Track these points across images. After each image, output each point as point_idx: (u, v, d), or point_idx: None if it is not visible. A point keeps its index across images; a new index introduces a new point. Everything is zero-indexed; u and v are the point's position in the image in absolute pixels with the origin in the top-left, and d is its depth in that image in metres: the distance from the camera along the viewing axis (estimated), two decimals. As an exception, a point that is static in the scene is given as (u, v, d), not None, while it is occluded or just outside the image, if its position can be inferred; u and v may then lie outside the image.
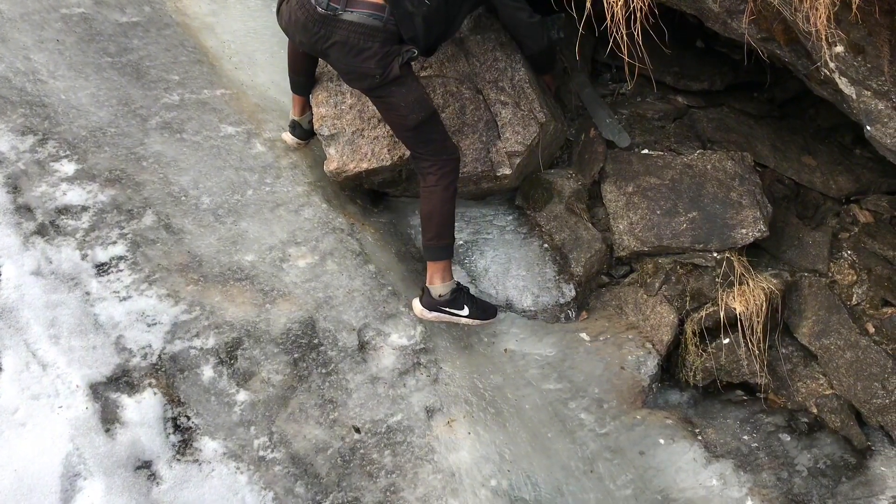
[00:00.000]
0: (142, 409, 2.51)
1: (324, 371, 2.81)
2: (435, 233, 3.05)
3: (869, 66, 2.35)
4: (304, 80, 3.40)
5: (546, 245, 3.56)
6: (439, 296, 3.04)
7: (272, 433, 2.61)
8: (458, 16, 3.06)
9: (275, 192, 3.29)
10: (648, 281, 3.42)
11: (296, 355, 2.81)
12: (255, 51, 3.98)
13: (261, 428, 2.61)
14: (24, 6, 3.59)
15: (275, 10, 3.04)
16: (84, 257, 2.82)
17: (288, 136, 3.53)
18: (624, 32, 2.77)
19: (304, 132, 3.53)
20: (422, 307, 3.06)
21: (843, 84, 2.50)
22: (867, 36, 2.27)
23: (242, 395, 2.66)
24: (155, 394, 2.56)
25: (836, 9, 2.21)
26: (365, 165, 3.33)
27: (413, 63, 3.02)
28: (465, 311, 3.11)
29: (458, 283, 3.12)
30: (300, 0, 2.81)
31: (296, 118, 3.51)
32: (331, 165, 3.35)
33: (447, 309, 3.07)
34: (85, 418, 2.43)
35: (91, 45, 3.58)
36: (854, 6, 2.14)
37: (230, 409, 2.62)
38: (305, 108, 3.48)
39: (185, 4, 4.11)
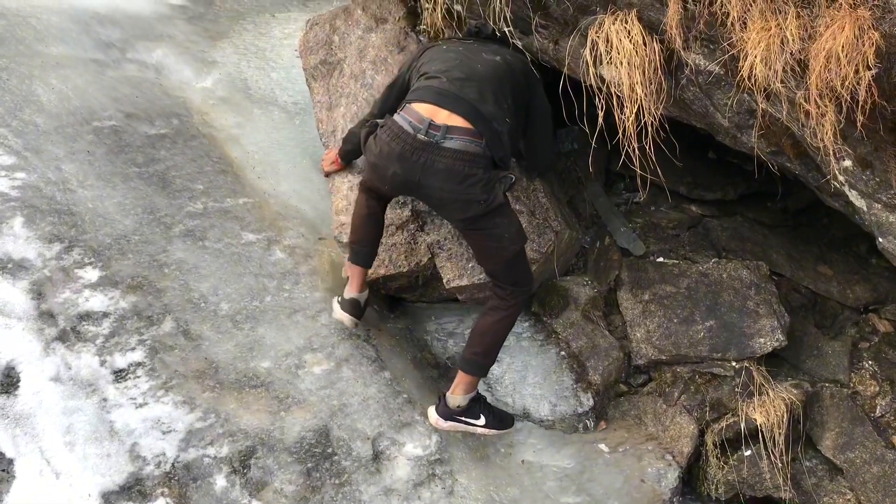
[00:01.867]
0: (153, 521, 2.47)
1: (337, 482, 2.77)
2: (483, 350, 3.03)
3: (877, 179, 2.39)
4: (369, 250, 3.21)
5: (563, 353, 3.55)
6: (457, 406, 3.01)
7: (283, 546, 2.55)
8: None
9: (293, 299, 3.33)
10: (667, 390, 3.38)
11: (309, 465, 2.77)
12: (278, 161, 4.11)
13: (272, 541, 2.55)
14: (59, 120, 3.74)
15: (341, 138, 3.24)
16: (103, 363, 2.84)
17: (344, 316, 3.24)
18: (635, 145, 2.84)
19: (362, 310, 3.29)
20: (437, 416, 3.03)
21: (854, 197, 2.54)
22: (874, 151, 2.33)
23: (254, 506, 2.62)
24: (167, 503, 2.52)
25: (841, 126, 2.27)
26: (382, 271, 3.38)
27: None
28: (482, 421, 3.07)
29: (477, 392, 3.09)
30: (393, 132, 2.79)
31: (354, 295, 3.25)
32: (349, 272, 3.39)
33: (463, 418, 3.03)
34: (95, 529, 2.39)
35: (120, 155, 3.71)
36: (859, 124, 2.20)
37: (242, 520, 2.58)
38: (364, 283, 3.28)
39: (212, 117, 4.27)
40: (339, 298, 3.27)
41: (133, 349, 2.92)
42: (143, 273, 3.20)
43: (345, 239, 3.42)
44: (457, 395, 3.01)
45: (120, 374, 2.83)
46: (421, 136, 2.73)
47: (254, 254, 3.49)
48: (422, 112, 2.78)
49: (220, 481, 2.64)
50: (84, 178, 3.51)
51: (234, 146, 4.12)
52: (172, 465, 2.63)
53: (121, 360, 2.87)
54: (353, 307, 3.23)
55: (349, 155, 3.51)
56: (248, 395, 2.92)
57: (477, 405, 3.07)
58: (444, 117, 2.77)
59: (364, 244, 3.19)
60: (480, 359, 3.03)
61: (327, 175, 3.62)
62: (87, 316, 2.97)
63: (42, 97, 3.82)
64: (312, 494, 2.70)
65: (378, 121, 2.94)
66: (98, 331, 2.93)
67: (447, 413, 3.02)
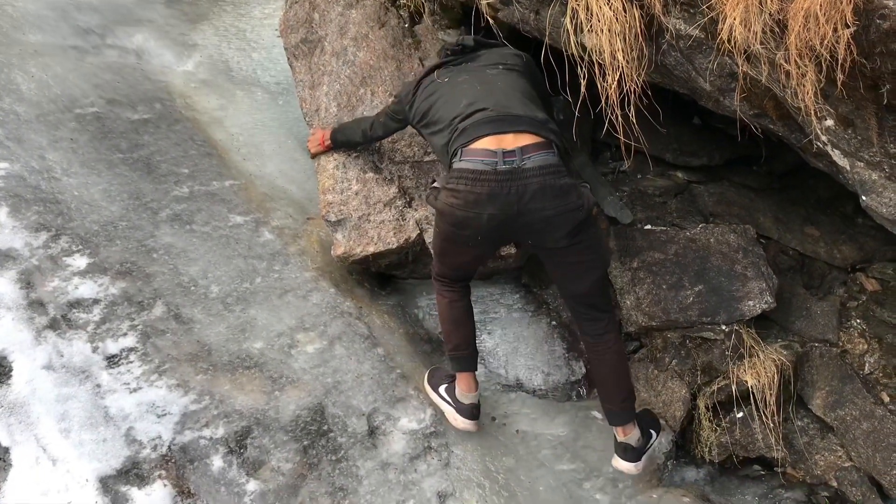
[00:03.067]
0: (152, 502, 2.49)
1: (334, 458, 2.79)
2: (627, 391, 2.92)
3: (859, 138, 2.40)
4: (472, 351, 3.03)
5: (554, 322, 3.57)
6: (637, 440, 2.92)
7: (282, 523, 2.58)
8: None
9: (283, 279, 3.33)
10: (658, 356, 3.41)
11: (305, 443, 2.79)
12: (262, 142, 4.09)
13: (271, 518, 2.58)
14: (40, 108, 3.72)
15: (326, 119, 3.17)
16: (95, 350, 2.84)
17: (469, 424, 2.99)
18: (619, 114, 2.84)
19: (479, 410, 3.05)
20: (632, 464, 2.91)
21: (837, 156, 2.55)
22: (855, 110, 2.33)
23: (252, 485, 2.64)
24: (165, 485, 2.54)
25: (822, 85, 2.27)
26: (372, 249, 3.38)
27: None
28: (653, 435, 3.03)
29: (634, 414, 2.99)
30: (471, 178, 2.62)
31: (474, 399, 3.01)
32: (338, 250, 3.40)
33: (647, 446, 2.98)
34: (94, 513, 2.41)
35: (103, 142, 3.70)
36: (839, 82, 2.20)
37: (240, 499, 2.60)
38: (476, 382, 3.05)
39: (195, 100, 4.24)
40: (455, 405, 3.00)
41: (125, 335, 2.92)
42: (131, 259, 3.20)
43: (332, 218, 3.42)
44: (631, 435, 2.93)
45: (113, 360, 2.84)
46: (502, 167, 2.59)
47: (242, 236, 3.49)
48: (487, 146, 2.63)
49: (217, 462, 2.66)
50: (68, 166, 3.50)
51: (217, 129, 4.10)
52: (169, 447, 2.65)
53: (113, 346, 2.88)
54: (476, 410, 3.01)
55: (342, 145, 3.49)
56: (241, 376, 2.93)
57: (643, 423, 3.01)
58: (511, 140, 2.63)
59: (464, 347, 3.00)
60: (630, 403, 2.93)
61: (314, 156, 3.59)
62: (77, 303, 2.97)
63: (22, 86, 3.79)
64: (309, 471, 2.73)
65: (435, 183, 2.81)
66: (89, 318, 2.93)
67: (636, 454, 2.92)
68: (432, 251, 2.99)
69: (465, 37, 3.17)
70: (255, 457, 2.71)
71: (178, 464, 2.62)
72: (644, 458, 2.94)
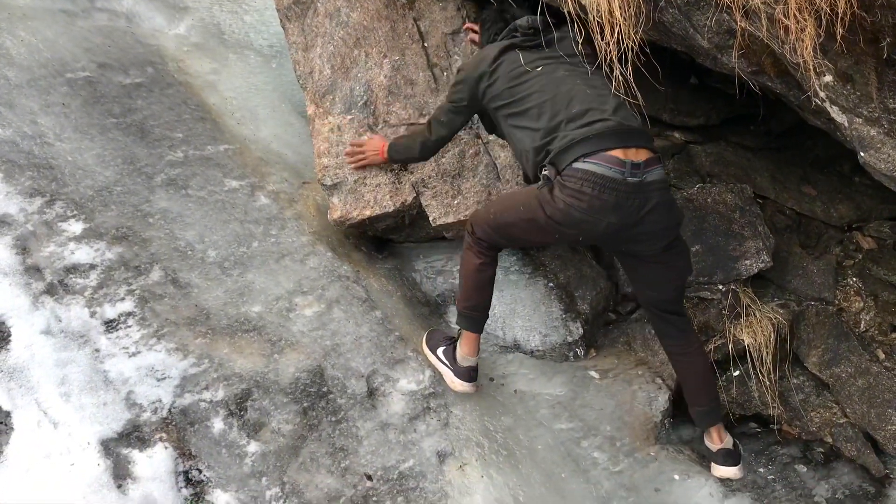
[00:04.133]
0: (153, 464, 2.50)
1: (333, 419, 2.81)
2: (715, 396, 3.03)
3: (858, 93, 2.38)
4: (485, 315, 3.06)
5: (551, 284, 3.58)
6: (733, 445, 3.01)
7: (284, 483, 2.60)
8: None
9: (280, 243, 3.33)
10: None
11: (305, 404, 2.81)
12: (256, 106, 4.06)
13: (272, 479, 2.60)
14: (31, 73, 3.67)
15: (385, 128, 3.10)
16: (93, 315, 2.84)
17: (467, 386, 3.00)
18: (617, 72, 2.82)
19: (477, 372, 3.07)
20: (737, 469, 2.97)
21: (835, 112, 2.53)
22: (854, 65, 2.31)
23: (253, 447, 2.66)
24: (166, 448, 2.56)
25: (821, 39, 2.25)
26: (368, 212, 3.37)
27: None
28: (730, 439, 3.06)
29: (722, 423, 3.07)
30: (600, 183, 2.56)
31: (474, 362, 3.03)
32: (334, 214, 3.39)
33: (740, 447, 3.06)
34: (97, 475, 2.42)
35: (96, 107, 3.66)
36: (838, 36, 2.18)
37: (241, 460, 2.61)
38: (479, 345, 3.08)
39: (188, 64, 4.20)
40: (453, 368, 3.01)
41: (122, 299, 2.92)
42: (127, 224, 3.19)
43: (329, 182, 3.41)
44: (727, 440, 3.01)
45: (111, 325, 2.84)
46: (631, 179, 2.56)
47: (238, 200, 3.47)
48: (618, 155, 2.58)
49: (217, 424, 2.67)
50: (61, 131, 3.46)
51: (211, 93, 4.06)
52: (169, 410, 2.66)
53: (111, 311, 2.87)
54: (474, 373, 3.02)
55: (400, 162, 3.36)
56: (240, 339, 2.94)
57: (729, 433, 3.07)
58: (633, 153, 2.60)
59: (480, 309, 3.01)
60: (717, 405, 3.03)
61: (363, 167, 3.39)
62: (73, 269, 2.96)
63: (11, 50, 3.74)
64: (310, 432, 2.74)
65: (547, 171, 2.69)
66: (86, 283, 2.93)
67: (737, 457, 3.00)
68: (494, 219, 2.85)
69: (531, 17, 3.00)
70: (256, 419, 2.73)
71: (178, 426, 2.63)
72: (742, 464, 3.00)
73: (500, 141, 3.42)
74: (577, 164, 2.59)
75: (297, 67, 3.66)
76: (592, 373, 3.31)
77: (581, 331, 3.44)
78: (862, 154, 2.53)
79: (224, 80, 4.17)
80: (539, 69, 2.84)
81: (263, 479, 2.59)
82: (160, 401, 2.67)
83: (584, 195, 2.56)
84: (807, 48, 2.28)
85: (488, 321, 3.22)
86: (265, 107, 4.05)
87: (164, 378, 2.74)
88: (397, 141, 3.29)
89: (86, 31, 4.10)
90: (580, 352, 3.42)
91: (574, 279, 3.54)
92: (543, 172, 2.70)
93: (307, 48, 3.64)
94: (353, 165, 3.38)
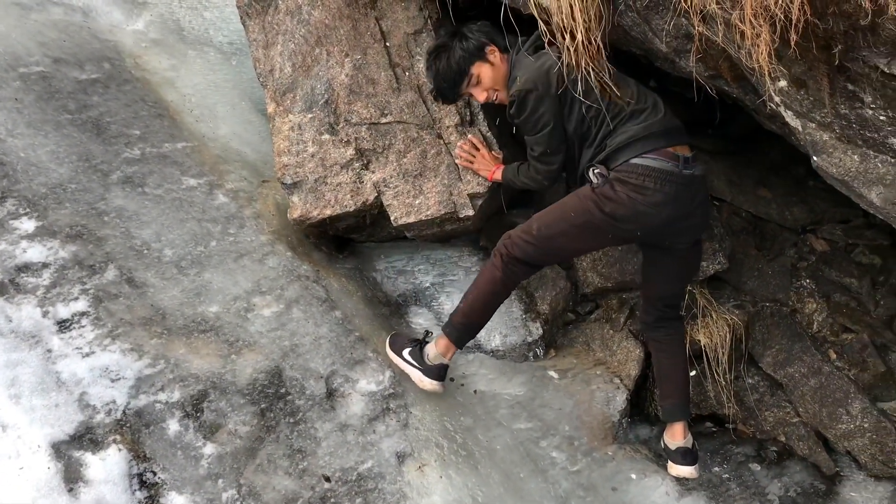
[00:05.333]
0: (106, 467, 2.46)
1: (292, 420, 2.78)
2: (688, 387, 3.11)
3: (811, 98, 2.43)
4: (478, 332, 3.10)
5: (512, 285, 3.58)
6: (693, 445, 3.05)
7: (241, 486, 2.57)
8: None
9: (238, 242, 3.29)
10: (614, 316, 3.45)
11: (263, 405, 2.78)
12: (215, 103, 4.01)
13: (229, 481, 2.57)
14: (-18, 66, 3.59)
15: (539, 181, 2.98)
16: (45, 314, 2.78)
17: (436, 385, 3.00)
18: (578, 75, 2.83)
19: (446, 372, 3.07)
20: (693, 468, 3.01)
21: (789, 117, 2.57)
22: (807, 70, 2.35)
23: (209, 448, 2.62)
24: (120, 450, 2.51)
25: (776, 45, 2.29)
26: (329, 212, 3.35)
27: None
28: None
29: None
30: (659, 179, 2.69)
31: (447, 361, 3.02)
32: (294, 213, 3.36)
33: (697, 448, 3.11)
34: (47, 479, 2.37)
35: (50, 102, 3.59)
36: (792, 43, 2.22)
37: (197, 462, 2.58)
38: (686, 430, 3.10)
39: (145, 60, 4.13)
40: (422, 367, 3.00)
41: (76, 299, 2.86)
42: (81, 222, 3.13)
43: (288, 181, 3.38)
44: (688, 438, 3.05)
45: (64, 325, 2.78)
46: (685, 172, 2.73)
47: (196, 199, 3.43)
48: (670, 149, 2.74)
49: (173, 426, 2.63)
50: (13, 127, 3.39)
51: (169, 89, 4.01)
52: (123, 412, 2.61)
53: (64, 311, 2.82)
54: (443, 372, 3.02)
55: (516, 186, 3.23)
56: (197, 339, 2.90)
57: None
58: (682, 149, 2.78)
59: (476, 329, 3.04)
60: (688, 402, 3.09)
61: (464, 166, 3.36)
62: (25, 267, 2.89)
63: (-38, 43, 3.65)
64: (267, 434, 2.72)
65: (600, 170, 2.76)
66: (38, 282, 2.87)
67: (694, 457, 3.04)
68: (539, 233, 2.84)
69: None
70: (212, 420, 2.69)
71: (133, 428, 2.59)
72: (697, 465, 3.05)
73: (462, 142, 3.42)
74: (635, 160, 2.71)
75: (258, 65, 3.62)
76: (552, 373, 3.33)
77: (541, 331, 3.46)
78: (815, 158, 2.58)
79: (183, 77, 4.11)
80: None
81: (220, 481, 2.56)
82: (114, 402, 2.63)
83: (647, 189, 2.68)
84: (762, 53, 2.31)
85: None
86: (224, 104, 4.01)
87: (119, 379, 2.69)
88: (518, 166, 3.17)
89: (40, 24, 4.02)
90: (540, 352, 3.44)
91: (534, 280, 3.56)
92: (595, 171, 2.77)
93: (268, 46, 3.60)
94: (459, 161, 3.36)
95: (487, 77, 2.96)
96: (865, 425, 3.19)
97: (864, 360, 3.33)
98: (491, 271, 2.93)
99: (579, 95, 2.77)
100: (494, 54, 2.96)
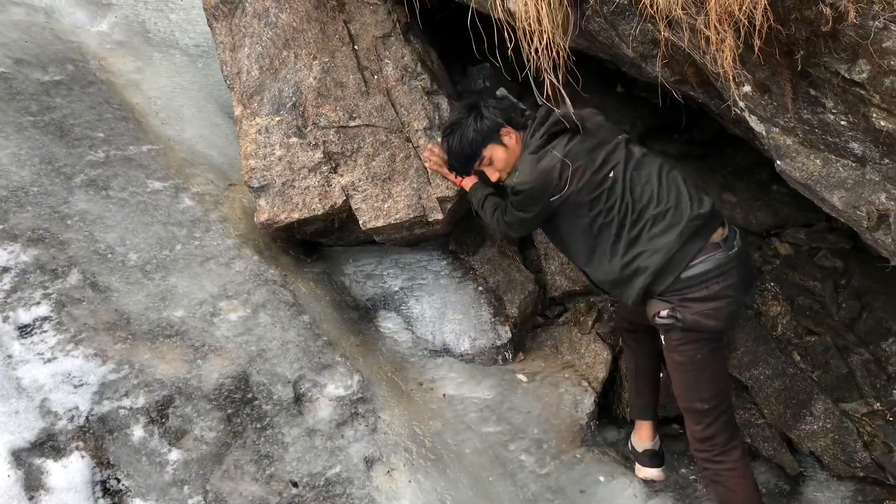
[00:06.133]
0: (68, 474, 2.41)
1: (259, 426, 2.76)
2: (658, 390, 3.15)
3: (775, 104, 2.46)
4: (654, 400, 3.18)
5: (481, 288, 3.59)
6: (660, 445, 3.15)
7: (207, 492, 2.54)
8: None
9: (204, 246, 3.26)
10: (582, 319, 3.47)
11: (229, 411, 2.75)
12: (181, 106, 3.97)
13: (195, 487, 2.53)
14: (-59, 67, 3.52)
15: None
16: (5, 319, 2.73)
17: (654, 472, 3.07)
18: (547, 80, 2.85)
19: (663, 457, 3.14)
20: (659, 470, 3.10)
21: (754, 122, 2.61)
22: (771, 76, 2.39)
23: (175, 454, 2.59)
24: (83, 457, 2.47)
25: (740, 51, 2.32)
26: (296, 215, 3.33)
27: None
28: None
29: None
30: (718, 277, 2.62)
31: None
32: (261, 217, 3.33)
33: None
34: (6, 487, 2.32)
35: (11, 104, 3.52)
36: (756, 48, 2.25)
37: (162, 468, 2.54)
38: (654, 431, 3.15)
39: (110, 62, 4.08)
40: (633, 451, 3.15)
41: (38, 303, 2.81)
42: (43, 225, 3.07)
43: (255, 184, 3.35)
44: (655, 440, 3.13)
45: (25, 330, 2.73)
46: (733, 252, 2.67)
47: (161, 202, 3.39)
48: (713, 240, 2.67)
49: (137, 432, 2.60)
50: (-27, 129, 3.32)
51: (134, 92, 3.96)
52: (86, 418, 2.57)
53: (25, 316, 2.76)
54: (656, 457, 3.10)
55: (474, 207, 3.24)
56: (162, 344, 2.86)
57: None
58: (719, 232, 2.71)
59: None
60: (657, 402, 3.21)
61: (433, 169, 3.36)
62: (-15, 272, 2.84)
63: (-80, 43, 3.58)
64: (234, 439, 2.69)
65: (664, 315, 2.66)
66: (-2, 286, 2.81)
67: (661, 458, 3.13)
68: (708, 403, 2.71)
69: (567, 111, 2.83)
70: (178, 426, 2.66)
71: (96, 435, 2.55)
72: (666, 462, 3.09)
73: (431, 145, 3.42)
74: (686, 274, 2.62)
75: (225, 67, 3.59)
76: (520, 376, 3.33)
77: (510, 334, 3.46)
78: (778, 162, 2.62)
79: (148, 80, 4.06)
80: (611, 173, 2.73)
81: (185, 487, 2.53)
82: (77, 408, 2.58)
83: (716, 289, 2.61)
84: (727, 59, 2.35)
85: (418, 325, 3.22)
86: (191, 107, 3.97)
87: (82, 385, 2.64)
88: (487, 196, 3.12)
89: (1, 25, 3.95)
90: (509, 355, 3.44)
91: (503, 283, 3.57)
92: (660, 320, 2.66)
93: (235, 48, 3.58)
94: (427, 164, 3.35)
95: (500, 160, 2.88)
96: (828, 426, 3.24)
97: (827, 362, 3.39)
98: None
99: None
100: (510, 136, 2.87)
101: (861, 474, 3.16)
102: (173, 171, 3.55)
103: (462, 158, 2.94)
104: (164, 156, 3.62)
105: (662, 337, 2.71)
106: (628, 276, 2.69)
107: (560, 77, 2.83)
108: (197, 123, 3.88)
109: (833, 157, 2.49)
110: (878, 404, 3.31)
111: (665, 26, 2.52)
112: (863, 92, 2.22)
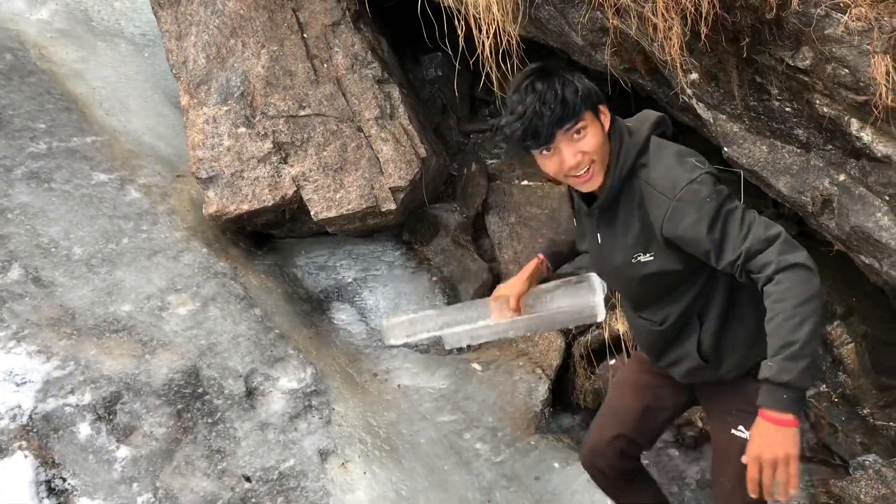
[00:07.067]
0: (11, 474, 2.34)
1: (210, 420, 2.71)
2: None
3: (722, 91, 2.50)
4: None
5: (435, 278, 3.58)
6: None
7: (157, 489, 2.49)
8: None
9: (152, 239, 3.19)
10: (536, 309, 3.48)
11: (179, 406, 2.70)
12: (127, 96, 3.88)
13: (144, 484, 2.48)
14: None
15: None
16: (-57, 317, 2.64)
17: None
18: (496, 69, 2.85)
19: None
20: None
21: (701, 109, 2.64)
22: (717, 63, 2.42)
23: (123, 451, 2.53)
24: (26, 456, 2.40)
25: (687, 38, 2.35)
26: (246, 207, 3.28)
27: None
28: None
29: None
30: None
31: None
32: (210, 208, 3.28)
33: None
34: (-54, 489, 2.25)
35: (-53, 94, 3.41)
36: (703, 35, 2.28)
37: (110, 466, 2.49)
38: None
39: (51, 51, 3.97)
40: None
41: (-24, 300, 2.73)
42: (-18, 220, 2.98)
43: (204, 175, 3.29)
44: None
45: (-37, 328, 2.64)
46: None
47: (106, 194, 3.31)
48: None
49: (84, 429, 2.53)
50: None
51: (77, 82, 3.85)
52: (30, 416, 2.50)
53: (-37, 313, 2.68)
54: None
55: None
56: (109, 340, 2.80)
57: None
58: None
59: None
60: None
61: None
62: (-80, 268, 2.74)
63: None
64: (184, 435, 2.64)
65: None
66: (-66, 283, 2.72)
67: None
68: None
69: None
70: (126, 422, 2.60)
71: (40, 433, 2.48)
72: None
73: (383, 134, 3.39)
74: None
75: (171, 56, 3.52)
76: (475, 365, 3.33)
77: (464, 324, 3.45)
78: (726, 149, 2.66)
79: (92, 69, 3.96)
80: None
81: (134, 484, 2.47)
82: (19, 406, 2.51)
83: None
84: (674, 46, 2.37)
85: (373, 316, 3.20)
86: (136, 97, 3.88)
87: (25, 382, 2.57)
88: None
89: (-65, 13, 3.82)
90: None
91: (458, 273, 3.56)
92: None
93: (181, 37, 3.51)
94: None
95: (593, 140, 1.82)
96: (777, 408, 3.30)
97: (775, 346, 3.44)
98: None
99: None
100: (606, 117, 1.90)
101: (808, 454, 3.23)
102: (119, 163, 3.47)
103: (557, 110, 1.77)
104: (110, 147, 3.54)
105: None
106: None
107: (512, 66, 2.84)
108: (143, 114, 3.80)
109: (779, 143, 2.53)
110: (825, 386, 3.38)
111: (614, 14, 2.53)
112: (806, 79, 2.26)
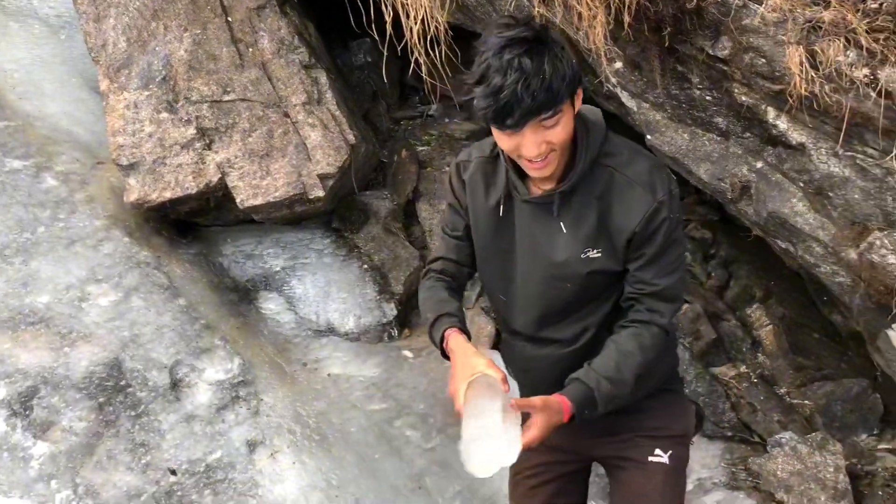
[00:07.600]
0: (-81, 475, 2.26)
1: (133, 413, 2.65)
2: None
3: (645, 80, 2.54)
4: None
5: (366, 266, 3.57)
6: None
7: (76, 485, 2.42)
8: None
9: (70, 228, 3.09)
10: (466, 294, 3.50)
11: (101, 399, 2.63)
12: (42, 80, 3.74)
13: (63, 481, 2.42)
14: None
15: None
16: None
17: None
18: (425, 55, 2.84)
19: None
20: None
21: (625, 98, 2.69)
22: (641, 52, 2.46)
23: (41, 448, 2.46)
24: (-65, 456, 2.31)
25: (611, 27, 2.38)
26: (168, 195, 3.21)
27: None
28: None
29: None
30: None
31: None
32: (131, 196, 3.19)
33: None
34: None
35: None
36: (626, 25, 2.31)
37: (27, 463, 2.42)
38: None
39: (-41, 32, 3.80)
40: None
41: None
42: None
43: (124, 162, 3.20)
44: None
45: None
46: None
47: (21, 182, 3.20)
48: None
49: (-2, 426, 2.45)
50: None
51: (-13, 64, 3.70)
52: (-61, 415, 2.41)
53: None
54: None
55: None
56: (24, 333, 2.71)
57: None
58: None
59: None
60: None
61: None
62: None
63: None
64: (106, 429, 2.58)
65: None
66: None
67: None
68: None
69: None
70: (44, 417, 2.53)
71: (-49, 431, 2.39)
72: None
73: (310, 120, 3.35)
74: None
75: (89, 39, 3.41)
76: (406, 352, 3.34)
77: (395, 311, 3.45)
78: (649, 137, 2.71)
79: (3, 51, 3.82)
80: None
81: (53, 481, 2.41)
82: (-72, 404, 2.41)
83: None
84: (598, 35, 2.40)
85: (302, 305, 3.16)
86: (52, 81, 3.75)
87: (-67, 379, 2.47)
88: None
89: None
90: (395, 332, 3.44)
91: (388, 261, 3.55)
92: None
93: (99, 19, 3.40)
94: None
95: (563, 130, 1.57)
96: (700, 390, 3.39)
97: (698, 330, 3.54)
98: None
99: None
100: (579, 100, 1.62)
101: (729, 434, 3.34)
102: (34, 149, 3.35)
103: (541, 97, 1.49)
104: (24, 132, 3.41)
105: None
106: None
107: (440, 53, 2.84)
108: (60, 99, 3.67)
109: (699, 131, 2.60)
110: (745, 367, 3.49)
111: (540, 2, 2.55)
112: (725, 68, 2.32)
